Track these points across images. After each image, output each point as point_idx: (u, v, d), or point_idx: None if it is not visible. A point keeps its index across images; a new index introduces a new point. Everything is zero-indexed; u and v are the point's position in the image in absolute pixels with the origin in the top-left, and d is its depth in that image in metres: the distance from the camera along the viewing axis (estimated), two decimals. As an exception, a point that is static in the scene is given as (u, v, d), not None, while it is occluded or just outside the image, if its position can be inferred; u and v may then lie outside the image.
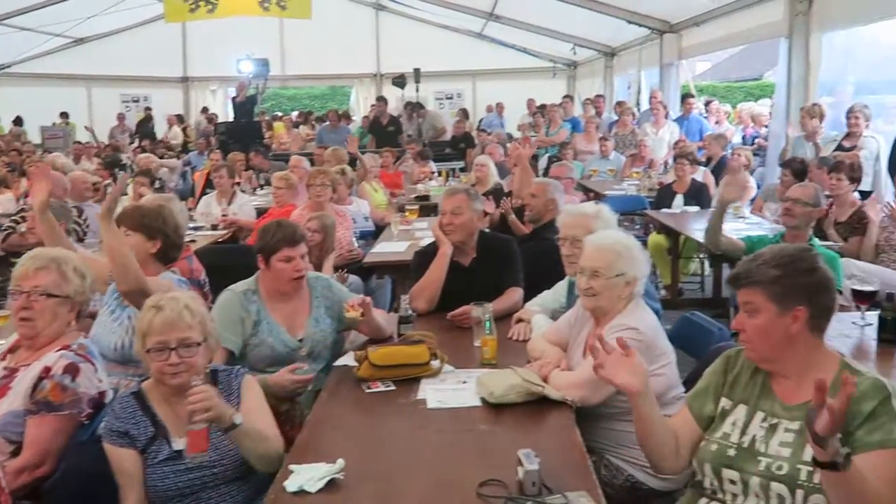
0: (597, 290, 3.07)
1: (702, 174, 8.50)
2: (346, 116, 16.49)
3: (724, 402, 2.38)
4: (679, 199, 7.69)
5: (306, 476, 2.32)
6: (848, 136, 7.42)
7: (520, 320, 3.81)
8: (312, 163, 9.17)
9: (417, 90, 16.16)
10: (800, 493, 2.14)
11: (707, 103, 12.71)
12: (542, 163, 11.64)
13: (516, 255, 4.24)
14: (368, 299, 3.52)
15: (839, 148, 7.34)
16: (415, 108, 15.80)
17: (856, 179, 6.06)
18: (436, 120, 16.30)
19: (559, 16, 14.15)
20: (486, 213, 6.89)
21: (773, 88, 11.99)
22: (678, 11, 11.86)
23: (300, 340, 3.46)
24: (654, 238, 7.68)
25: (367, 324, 3.59)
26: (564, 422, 2.76)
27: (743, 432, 2.28)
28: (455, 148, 14.33)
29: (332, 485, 2.31)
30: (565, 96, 15.51)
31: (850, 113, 7.40)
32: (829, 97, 8.63)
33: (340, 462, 2.36)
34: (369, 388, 3.10)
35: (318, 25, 15.80)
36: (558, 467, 2.36)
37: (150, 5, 16.11)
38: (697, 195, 7.74)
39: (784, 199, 4.58)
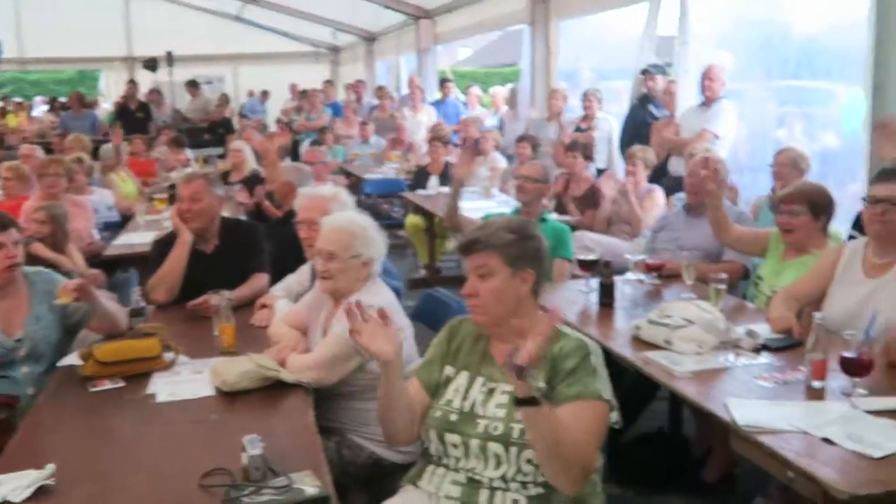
0: (333, 272, 3.07)
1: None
2: (90, 104, 15.36)
3: (449, 370, 2.46)
4: (434, 181, 7.89)
5: (11, 486, 2.15)
6: (584, 118, 7.98)
7: (263, 306, 3.75)
8: (52, 151, 8.52)
9: (171, 74, 15.45)
10: (513, 449, 2.27)
11: (467, 88, 13.16)
12: (304, 147, 11.54)
13: (260, 240, 4.15)
14: (90, 278, 3.30)
15: (577, 129, 7.88)
16: (190, 86, 15.45)
17: (589, 157, 6.54)
18: (208, 104, 15.73)
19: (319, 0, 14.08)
20: (241, 203, 6.78)
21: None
22: (433, -3, 12.17)
23: (18, 340, 3.19)
24: (412, 219, 7.84)
25: (99, 317, 3.37)
26: (299, 404, 2.75)
27: (464, 397, 2.38)
28: (213, 134, 13.86)
29: (41, 492, 2.15)
30: (326, 81, 15.51)
31: (585, 97, 7.97)
32: (567, 82, 9.21)
33: (50, 467, 2.20)
34: (95, 386, 2.92)
35: (61, 5, 14.68)
36: (287, 450, 2.35)
37: None
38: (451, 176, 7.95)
39: (516, 176, 4.82)
